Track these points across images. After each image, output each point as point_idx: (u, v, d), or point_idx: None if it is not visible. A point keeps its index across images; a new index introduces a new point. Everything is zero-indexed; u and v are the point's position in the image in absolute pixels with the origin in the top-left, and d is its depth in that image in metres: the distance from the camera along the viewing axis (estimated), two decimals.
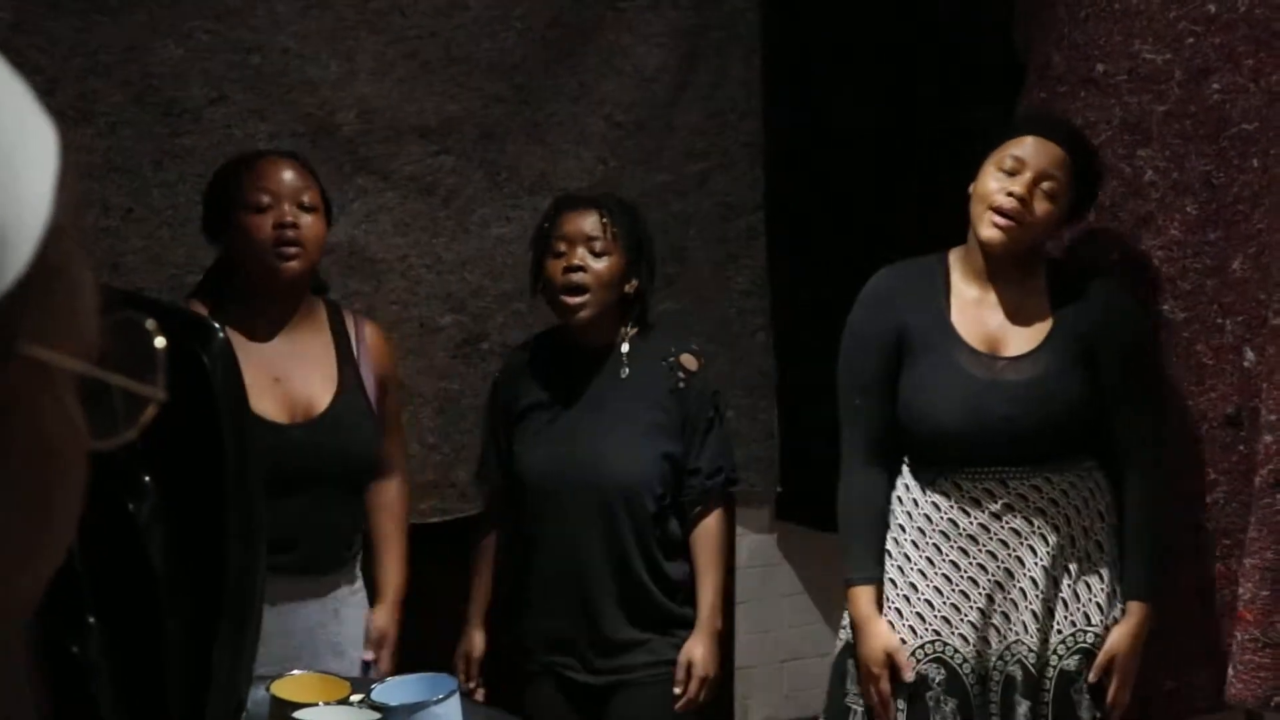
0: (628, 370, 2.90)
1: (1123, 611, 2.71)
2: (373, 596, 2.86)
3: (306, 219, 2.68)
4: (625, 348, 2.90)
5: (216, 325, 1.29)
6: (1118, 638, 2.67)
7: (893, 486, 2.78)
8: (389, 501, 2.90)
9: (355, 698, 2.18)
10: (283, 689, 2.16)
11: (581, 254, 2.85)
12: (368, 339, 2.83)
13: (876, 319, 2.77)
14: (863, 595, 2.74)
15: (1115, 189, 2.98)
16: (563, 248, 2.86)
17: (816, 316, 3.90)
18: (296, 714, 2.09)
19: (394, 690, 2.18)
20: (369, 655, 2.80)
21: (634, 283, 2.90)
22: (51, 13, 3.09)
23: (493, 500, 3.03)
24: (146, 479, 1.15)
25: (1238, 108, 2.80)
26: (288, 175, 2.70)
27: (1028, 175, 2.66)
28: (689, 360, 2.94)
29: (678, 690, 2.89)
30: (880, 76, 3.81)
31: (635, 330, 2.92)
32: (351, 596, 2.81)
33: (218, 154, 3.17)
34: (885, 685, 2.70)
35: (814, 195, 3.88)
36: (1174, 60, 2.91)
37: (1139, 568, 2.69)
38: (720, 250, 3.85)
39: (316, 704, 2.13)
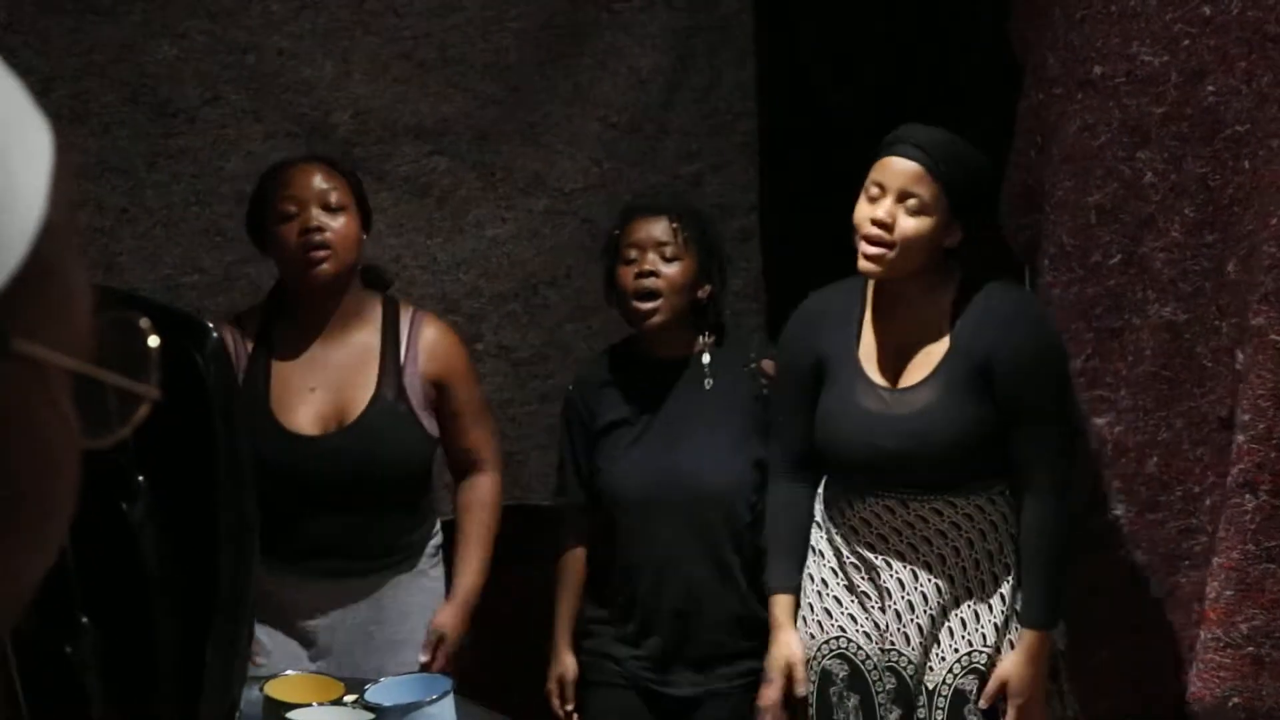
0: (710, 381, 2.88)
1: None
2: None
3: (334, 221, 2.67)
4: (706, 358, 2.89)
5: (210, 325, 1.29)
6: (1008, 664, 2.65)
7: (813, 498, 2.80)
8: (473, 499, 2.86)
9: (349, 698, 2.18)
10: (276, 689, 2.16)
11: (653, 259, 2.83)
12: (424, 339, 2.78)
13: (797, 345, 2.81)
14: (778, 603, 2.78)
15: (1116, 191, 2.98)
16: (634, 254, 2.84)
17: None
18: (290, 714, 2.09)
19: (388, 691, 2.18)
20: (424, 657, 2.75)
21: (707, 288, 2.89)
22: (45, 12, 3.09)
23: (574, 517, 2.97)
24: (140, 478, 1.15)
25: (1231, 110, 2.80)
26: (313, 179, 2.69)
27: (888, 198, 2.65)
28: (769, 365, 2.92)
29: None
30: (875, 78, 3.82)
31: (713, 339, 2.91)
32: (409, 597, 2.77)
33: (212, 154, 3.18)
34: (775, 692, 2.72)
35: (809, 197, 3.88)
36: (1170, 62, 2.91)
37: (1031, 595, 2.66)
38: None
39: (310, 704, 2.13)
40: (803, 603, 2.78)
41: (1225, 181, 2.83)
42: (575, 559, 2.96)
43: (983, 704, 2.65)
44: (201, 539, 1.22)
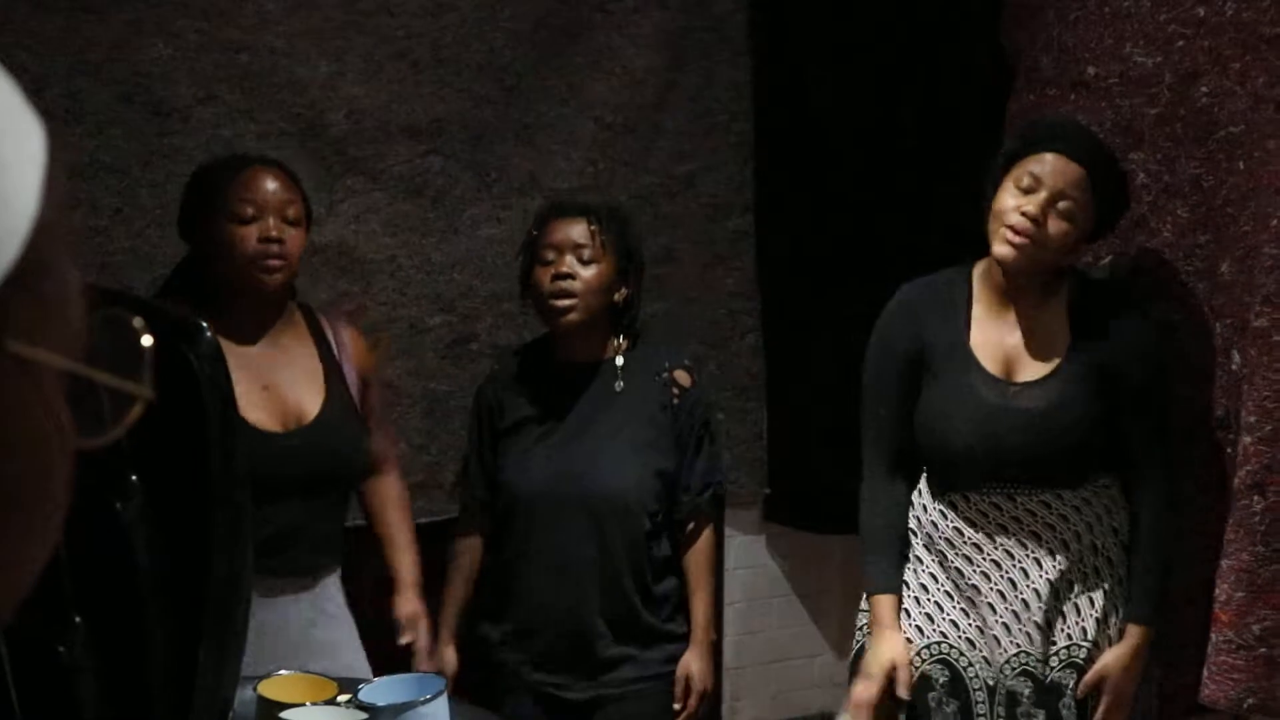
0: (621, 384, 2.88)
1: (1122, 631, 2.70)
2: (390, 587, 2.87)
3: (290, 232, 2.68)
4: (619, 361, 2.89)
5: (205, 325, 1.28)
6: (1110, 658, 2.66)
7: (909, 498, 2.79)
8: (390, 495, 2.91)
9: (342, 698, 2.18)
10: (270, 689, 2.15)
11: (570, 262, 2.84)
12: (346, 339, 2.83)
13: (899, 334, 2.77)
14: (883, 603, 2.75)
15: None
16: (551, 255, 2.85)
17: (806, 318, 3.91)
18: (283, 714, 2.09)
19: (381, 690, 2.18)
20: (407, 638, 2.81)
21: (624, 291, 2.89)
22: (39, 12, 3.08)
23: (473, 510, 2.99)
24: (134, 478, 1.15)
25: (1225, 111, 2.80)
26: (273, 186, 2.69)
27: (1043, 194, 2.61)
28: (682, 376, 2.92)
29: (677, 706, 2.90)
30: (869, 79, 3.82)
31: (626, 343, 2.91)
32: (339, 599, 2.81)
33: (206, 154, 3.17)
34: (873, 690, 2.71)
35: (803, 197, 3.89)
36: (1164, 63, 2.91)
37: (1141, 592, 2.68)
38: (709, 252, 3.85)
39: (304, 704, 2.13)
40: (901, 611, 2.76)
41: (1219, 183, 2.83)
42: (470, 554, 2.97)
43: (1080, 692, 2.66)
44: (195, 539, 1.22)
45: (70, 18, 3.11)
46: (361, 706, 2.14)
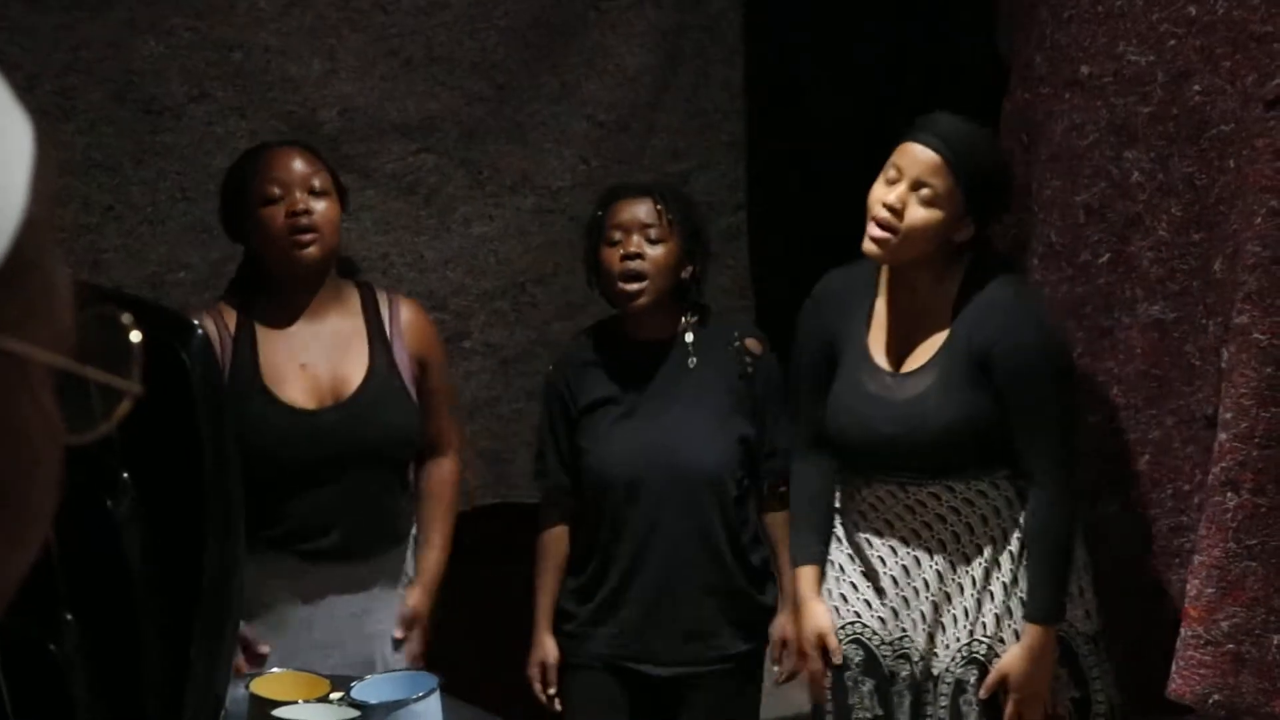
0: (695, 360, 2.89)
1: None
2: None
3: (318, 204, 2.68)
4: (689, 337, 2.90)
5: (196, 323, 1.28)
6: (1009, 657, 2.65)
7: (833, 473, 2.83)
8: (434, 484, 2.87)
9: (335, 696, 2.18)
10: (262, 687, 2.15)
11: (638, 241, 2.84)
12: (403, 317, 2.80)
13: (811, 323, 2.83)
14: (804, 575, 2.81)
15: (1103, 190, 2.99)
16: (618, 236, 2.85)
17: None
18: (276, 712, 2.09)
19: (374, 688, 2.18)
20: (399, 633, 2.80)
21: (690, 269, 2.90)
22: (31, 9, 3.08)
23: (555, 499, 2.96)
24: (124, 475, 1.15)
25: (1216, 109, 2.81)
26: (295, 163, 2.70)
27: (903, 184, 2.65)
28: (753, 344, 2.95)
29: (776, 668, 2.93)
30: (863, 77, 3.82)
31: (696, 318, 2.93)
32: (398, 588, 2.79)
33: (198, 151, 3.17)
34: (817, 664, 2.78)
35: (796, 196, 3.89)
36: (1157, 62, 2.92)
37: (1036, 590, 2.66)
38: (709, 250, 3.85)
39: (296, 702, 2.13)
40: (823, 587, 2.80)
41: (1211, 181, 2.83)
42: (558, 542, 2.95)
43: (982, 694, 2.65)
44: (187, 535, 1.21)
45: (63, 15, 3.10)
46: (354, 704, 2.14)
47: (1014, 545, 2.70)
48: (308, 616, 2.71)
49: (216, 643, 1.26)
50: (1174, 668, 2.64)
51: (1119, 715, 2.76)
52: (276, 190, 2.67)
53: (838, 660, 2.76)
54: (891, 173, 2.67)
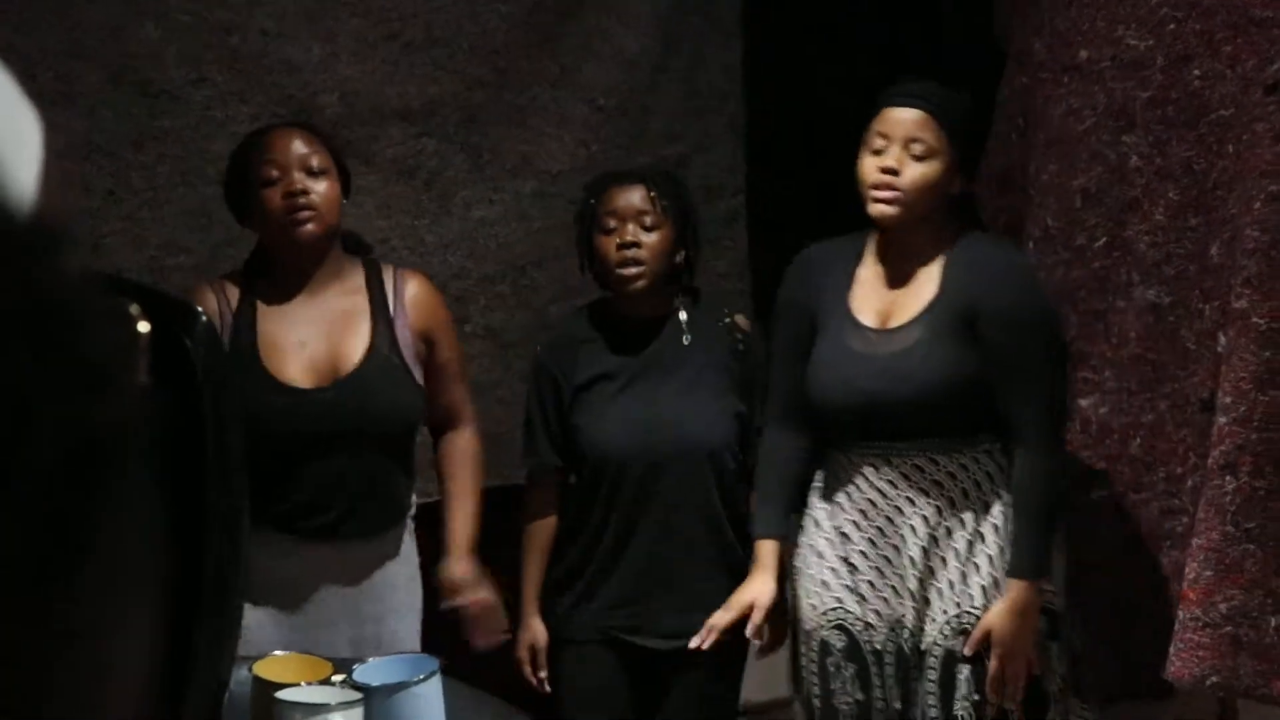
0: (689, 337, 2.91)
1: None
2: (441, 551, 2.83)
3: (317, 184, 2.69)
4: (684, 315, 2.92)
5: (199, 309, 1.29)
6: (992, 614, 2.64)
7: (807, 449, 2.82)
8: (456, 452, 2.87)
9: (337, 678, 2.19)
10: (265, 669, 2.16)
11: (633, 229, 2.85)
12: (409, 293, 2.80)
13: (791, 293, 2.84)
14: (762, 547, 2.81)
15: (1101, 174, 2.99)
16: (613, 223, 2.86)
17: None
18: (279, 694, 2.10)
19: (375, 671, 2.19)
20: (453, 603, 2.79)
21: (684, 253, 2.92)
22: None
23: (542, 479, 2.96)
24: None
25: (1216, 94, 2.81)
26: (294, 144, 2.71)
27: (894, 147, 2.68)
28: (742, 321, 2.99)
29: (758, 642, 2.89)
30: (861, 60, 3.82)
31: (689, 298, 2.95)
32: (396, 566, 2.78)
33: (197, 135, 3.17)
34: (726, 619, 2.75)
35: (794, 179, 3.89)
36: (1156, 46, 2.92)
37: (1020, 546, 2.66)
38: (700, 233, 3.85)
39: (299, 684, 2.14)
40: (801, 574, 2.80)
41: (1209, 165, 2.83)
42: (545, 523, 2.95)
43: (966, 651, 2.64)
44: (190, 523, 1.22)
45: (62, 0, 3.10)
46: (356, 686, 2.15)
47: (997, 518, 2.69)
48: (305, 595, 2.72)
49: (219, 629, 1.27)
50: (1172, 650, 2.65)
51: (1073, 695, 2.75)
52: (275, 172, 2.68)
53: (748, 635, 2.76)
54: (878, 142, 2.70)
